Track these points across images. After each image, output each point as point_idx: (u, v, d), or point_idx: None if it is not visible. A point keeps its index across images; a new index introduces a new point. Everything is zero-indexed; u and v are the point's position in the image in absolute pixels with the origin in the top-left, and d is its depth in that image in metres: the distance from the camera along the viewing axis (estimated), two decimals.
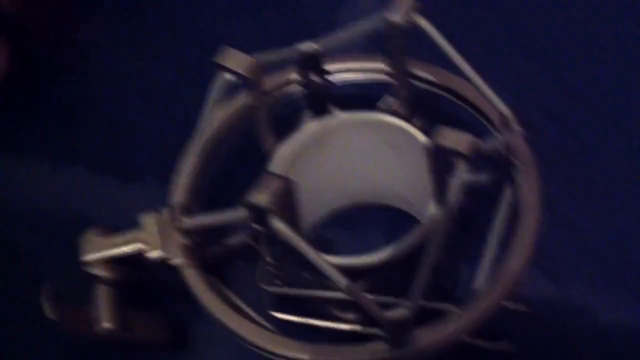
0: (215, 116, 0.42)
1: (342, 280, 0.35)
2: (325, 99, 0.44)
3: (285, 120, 0.44)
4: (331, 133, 0.43)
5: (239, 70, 0.39)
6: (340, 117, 0.43)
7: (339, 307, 0.40)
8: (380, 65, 0.44)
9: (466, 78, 0.40)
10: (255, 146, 0.44)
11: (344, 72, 0.44)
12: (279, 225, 0.35)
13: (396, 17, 0.40)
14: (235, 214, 0.36)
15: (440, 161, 0.36)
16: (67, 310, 0.41)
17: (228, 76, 0.40)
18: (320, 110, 0.44)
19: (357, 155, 0.44)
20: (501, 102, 0.39)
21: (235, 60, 0.40)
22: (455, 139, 0.35)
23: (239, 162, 0.48)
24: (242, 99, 0.43)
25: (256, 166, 0.47)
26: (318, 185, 0.44)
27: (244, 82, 0.40)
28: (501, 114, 0.39)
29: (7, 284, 0.45)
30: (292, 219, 0.37)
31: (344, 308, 0.40)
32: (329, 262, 0.35)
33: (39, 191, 0.48)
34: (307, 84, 0.43)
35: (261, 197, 0.35)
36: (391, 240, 0.42)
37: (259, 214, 0.35)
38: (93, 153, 0.49)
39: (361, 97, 0.44)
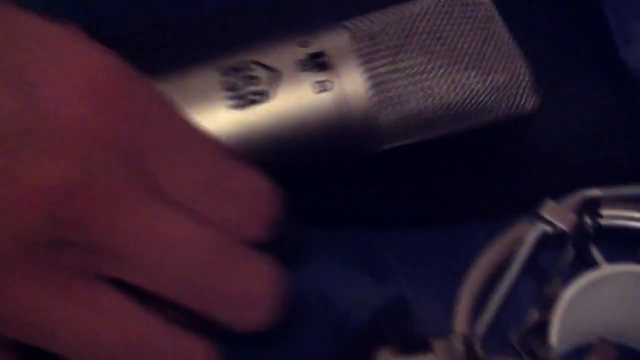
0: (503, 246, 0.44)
1: None
2: (592, 241, 0.46)
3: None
4: (601, 280, 0.45)
5: (561, 225, 0.42)
6: (614, 269, 0.45)
7: None
8: None
9: None
10: None
11: (618, 218, 0.46)
12: None
13: None
14: None
15: None
16: None
17: (546, 227, 0.43)
18: (583, 252, 0.46)
19: (620, 301, 0.46)
20: None
21: (557, 215, 0.42)
22: None
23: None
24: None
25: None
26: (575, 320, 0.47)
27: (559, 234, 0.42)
28: None
29: None
30: None
31: None
32: None
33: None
34: (580, 226, 0.45)
35: None
36: None
37: None
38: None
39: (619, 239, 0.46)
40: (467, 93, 0.43)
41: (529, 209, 0.45)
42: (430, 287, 0.47)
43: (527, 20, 0.49)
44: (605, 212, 0.45)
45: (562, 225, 0.43)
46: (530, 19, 0.49)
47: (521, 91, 0.44)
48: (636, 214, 0.46)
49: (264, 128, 0.41)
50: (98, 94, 0.35)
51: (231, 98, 0.41)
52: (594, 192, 0.44)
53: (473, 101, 0.43)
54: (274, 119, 0.41)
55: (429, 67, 0.42)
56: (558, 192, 0.46)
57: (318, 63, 0.41)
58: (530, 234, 0.43)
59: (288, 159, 0.42)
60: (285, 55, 0.42)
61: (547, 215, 0.43)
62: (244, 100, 0.41)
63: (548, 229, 0.44)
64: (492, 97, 0.43)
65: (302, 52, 0.42)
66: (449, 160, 0.46)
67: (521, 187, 0.48)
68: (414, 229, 0.48)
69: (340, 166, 0.44)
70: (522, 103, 0.44)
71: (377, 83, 0.42)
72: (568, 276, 0.44)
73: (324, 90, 0.41)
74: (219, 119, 0.41)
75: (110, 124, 0.35)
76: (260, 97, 0.41)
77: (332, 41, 0.42)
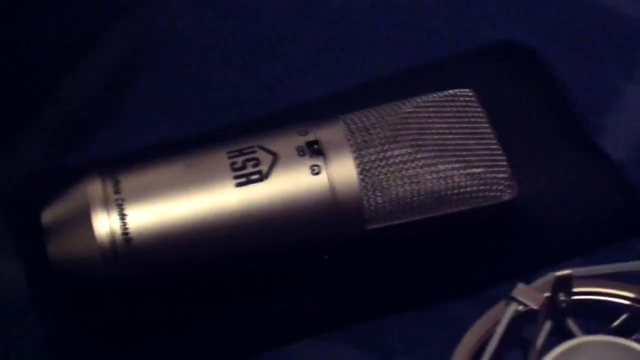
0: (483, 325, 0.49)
1: None
2: (567, 315, 0.50)
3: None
4: (576, 350, 0.48)
5: (532, 305, 0.48)
6: (587, 339, 0.48)
7: None
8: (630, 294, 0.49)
9: None
10: None
11: (590, 294, 0.50)
12: None
13: None
14: None
15: None
16: None
17: (519, 307, 0.48)
18: (558, 324, 0.50)
19: None
20: None
21: (528, 296, 0.48)
22: None
23: None
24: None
25: None
26: None
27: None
28: None
29: None
30: None
31: None
32: None
33: None
34: (554, 301, 0.49)
35: None
36: None
37: None
38: None
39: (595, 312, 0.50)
40: (449, 183, 0.48)
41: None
42: None
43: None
44: (577, 289, 0.49)
45: (532, 304, 0.48)
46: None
47: (499, 183, 0.49)
48: (607, 290, 0.50)
49: (260, 204, 0.47)
50: None
51: (236, 177, 0.47)
52: (565, 272, 0.49)
53: (454, 190, 0.49)
54: (269, 196, 0.47)
55: (416, 157, 0.48)
56: (557, 257, 0.52)
57: (313, 150, 0.48)
58: (505, 314, 0.48)
59: (282, 234, 0.48)
60: (286, 141, 0.48)
61: (518, 296, 0.48)
62: (246, 179, 0.47)
63: (521, 308, 0.48)
64: (472, 188, 0.49)
65: (300, 140, 0.48)
66: (436, 241, 0.51)
67: (513, 259, 0.53)
68: (412, 310, 0.53)
69: (330, 250, 0.50)
70: (499, 194, 0.49)
71: (365, 169, 0.48)
72: (549, 347, 0.48)
73: (317, 173, 0.47)
74: (224, 194, 0.47)
75: None
76: (259, 176, 0.47)
77: (328, 131, 0.49)
